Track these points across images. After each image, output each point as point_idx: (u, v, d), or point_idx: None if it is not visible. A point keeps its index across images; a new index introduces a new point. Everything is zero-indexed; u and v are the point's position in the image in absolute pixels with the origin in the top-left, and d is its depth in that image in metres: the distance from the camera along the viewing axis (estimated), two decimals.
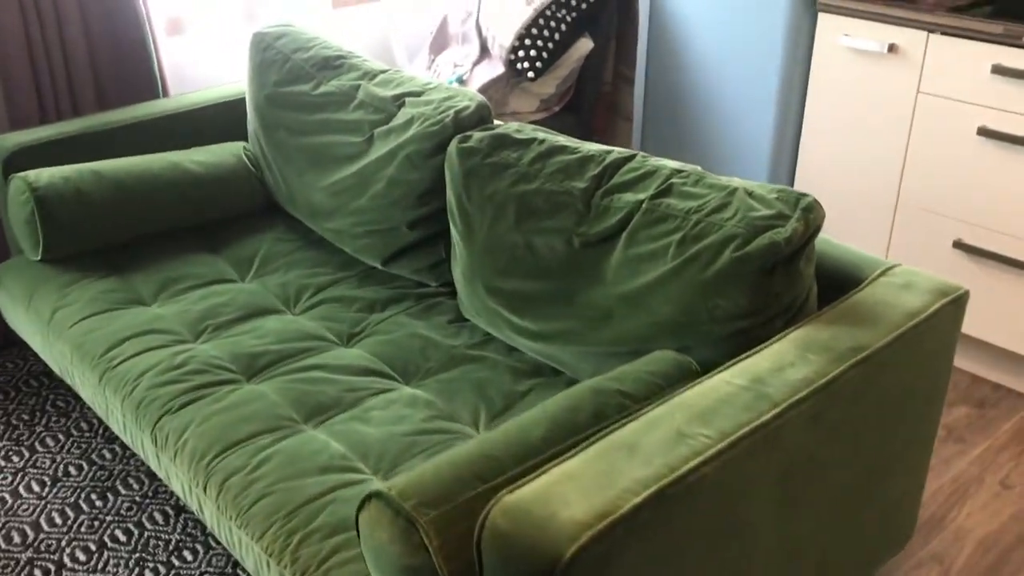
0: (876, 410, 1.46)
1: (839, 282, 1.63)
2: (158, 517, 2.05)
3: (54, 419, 2.36)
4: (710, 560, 1.24)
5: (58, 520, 2.05)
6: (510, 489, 1.13)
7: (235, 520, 1.51)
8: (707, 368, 1.51)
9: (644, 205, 1.65)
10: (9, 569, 1.92)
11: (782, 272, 1.46)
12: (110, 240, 2.21)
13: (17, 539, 2.00)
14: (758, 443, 1.23)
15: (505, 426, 1.33)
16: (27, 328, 2.11)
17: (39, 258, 2.14)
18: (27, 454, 2.24)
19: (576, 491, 1.11)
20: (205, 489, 1.58)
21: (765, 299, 1.46)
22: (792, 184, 2.77)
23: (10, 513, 2.07)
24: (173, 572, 1.91)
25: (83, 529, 2.02)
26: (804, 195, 1.52)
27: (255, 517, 1.48)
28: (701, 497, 1.17)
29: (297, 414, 1.70)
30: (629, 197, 1.68)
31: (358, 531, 1.26)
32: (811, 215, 1.48)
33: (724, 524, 1.24)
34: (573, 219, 1.72)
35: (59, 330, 1.98)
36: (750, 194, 1.55)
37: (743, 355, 1.39)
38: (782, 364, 1.35)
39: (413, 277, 2.11)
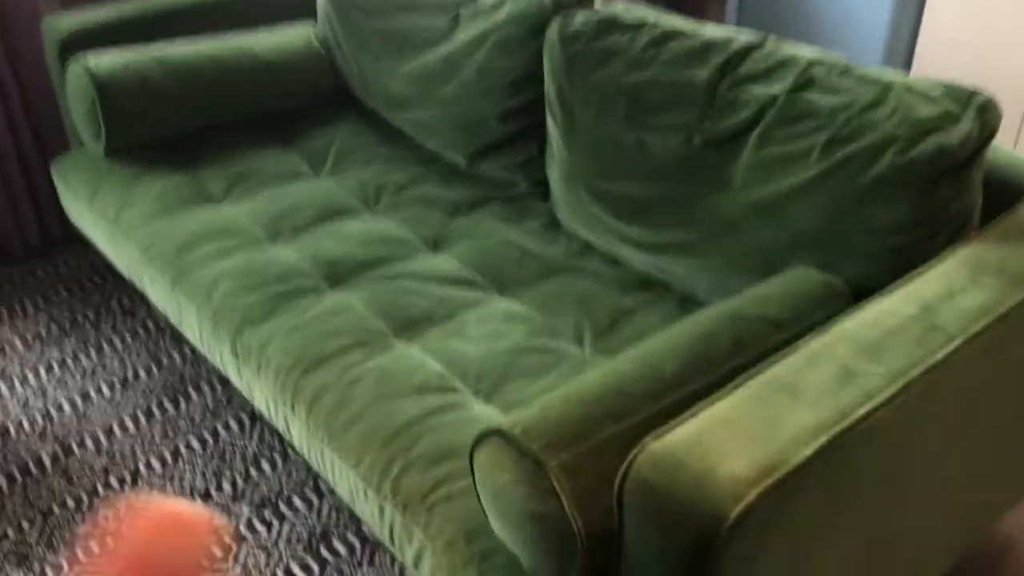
0: None
1: (996, 189, 1.42)
2: (233, 425, 1.96)
3: (120, 318, 2.27)
4: (868, 507, 1.09)
5: (130, 426, 1.96)
6: (656, 435, 0.98)
7: (327, 443, 1.39)
8: (855, 289, 1.33)
9: (780, 100, 1.44)
10: (84, 477, 1.85)
11: (951, 181, 1.27)
12: (175, 131, 2.05)
13: (91, 445, 1.92)
14: (933, 382, 1.07)
15: (631, 356, 1.18)
16: (92, 226, 1.99)
17: (102, 151, 1.99)
18: (95, 355, 2.16)
19: (735, 440, 0.96)
20: (293, 408, 1.46)
21: (930, 211, 1.28)
22: (909, 68, 2.52)
23: (82, 417, 1.99)
24: (251, 483, 1.83)
25: (156, 436, 1.94)
26: (977, 92, 1.30)
27: (350, 441, 1.37)
28: (872, 444, 1.02)
29: (387, 327, 1.56)
30: (761, 90, 1.48)
31: (473, 470, 1.13)
32: (987, 116, 1.28)
33: (889, 471, 1.09)
34: (694, 114, 1.53)
35: (126, 231, 1.85)
36: (909, 89, 1.34)
37: (905, 277, 1.22)
38: (952, 289, 1.18)
39: (502, 175, 1.94)
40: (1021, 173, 1.43)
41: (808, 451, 0.95)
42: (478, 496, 1.15)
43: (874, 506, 1.10)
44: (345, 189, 1.94)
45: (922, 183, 1.26)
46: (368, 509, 1.34)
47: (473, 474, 1.13)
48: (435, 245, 1.79)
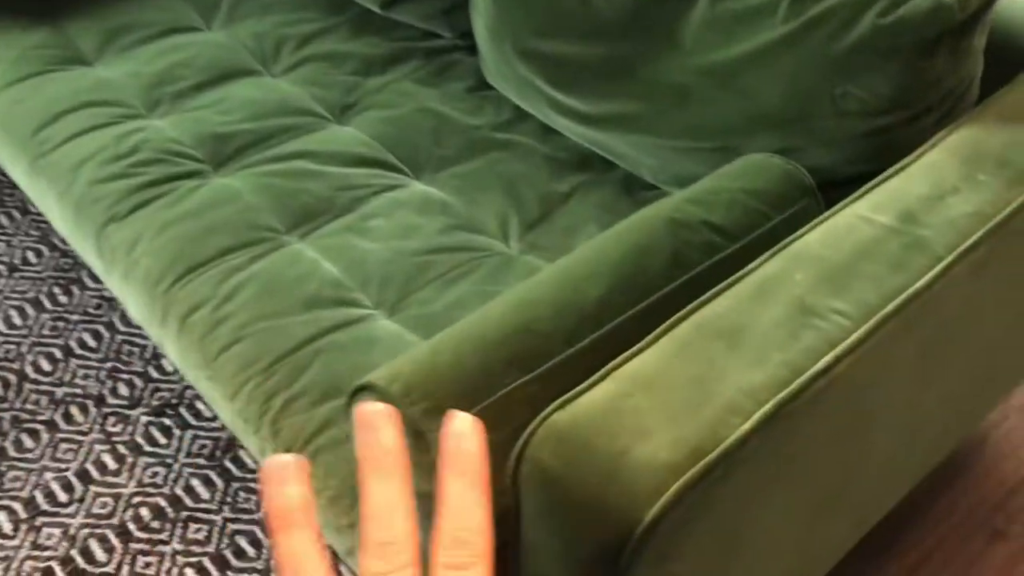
0: None
1: (998, 52, 1.17)
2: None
3: (6, 191, 2.01)
4: (822, 467, 0.92)
5: (17, 320, 1.75)
6: (561, 403, 0.78)
7: (201, 369, 1.19)
8: (825, 180, 1.10)
9: None
10: None
11: (947, 49, 1.01)
12: None
13: None
14: (911, 316, 0.86)
15: (547, 276, 0.97)
16: None
17: None
18: None
19: (657, 410, 0.76)
20: (164, 322, 1.25)
21: (918, 87, 1.03)
22: None
23: None
24: (151, 385, 1.64)
25: (45, 331, 1.74)
26: None
27: (225, 369, 1.16)
28: (830, 401, 0.82)
29: (278, 221, 1.33)
30: None
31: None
32: None
33: (850, 423, 0.90)
34: None
35: None
36: None
37: (884, 174, 0.99)
38: (942, 190, 0.95)
39: (421, 25, 1.65)
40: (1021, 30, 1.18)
41: (748, 425, 0.75)
42: None
43: (830, 463, 0.92)
44: (239, 44, 1.65)
45: (910, 52, 1.01)
46: (252, 447, 1.16)
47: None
48: (341, 114, 1.52)
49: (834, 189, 1.12)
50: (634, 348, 0.82)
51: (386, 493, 0.35)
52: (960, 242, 0.90)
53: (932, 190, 0.95)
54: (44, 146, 1.46)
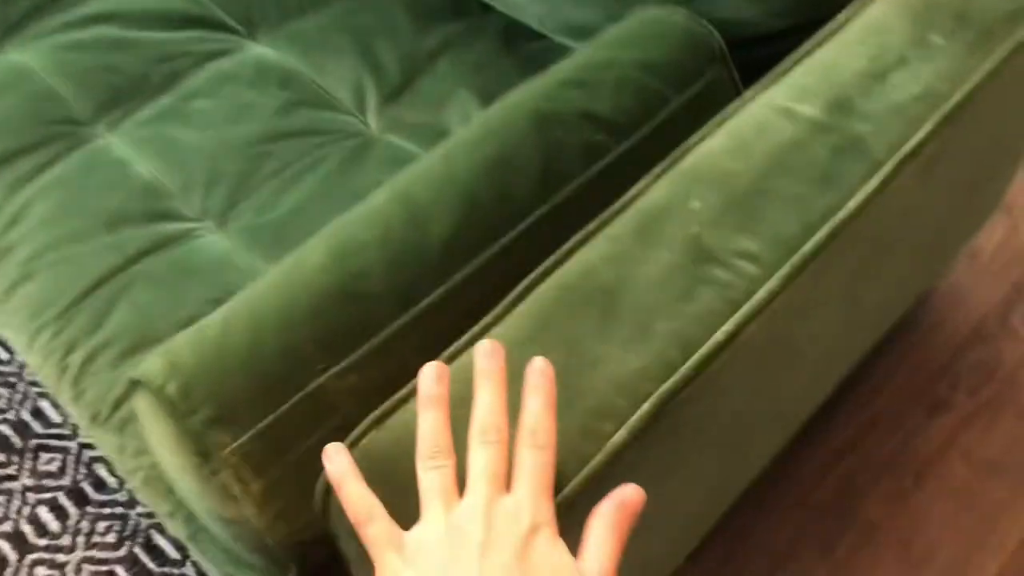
0: (1009, 104, 0.87)
1: None
2: None
3: None
4: (735, 422, 0.75)
5: None
6: (378, 416, 0.59)
7: None
8: (745, 37, 0.87)
9: None
10: None
11: None
12: None
13: None
14: (841, 245, 0.67)
15: (380, 206, 0.74)
16: None
17: None
18: None
19: None
20: None
21: None
22: None
23: None
24: None
25: None
26: None
27: (17, 314, 0.94)
28: (736, 369, 0.64)
29: (79, 109, 1.07)
30: None
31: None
32: None
33: (764, 374, 0.73)
34: None
35: None
36: None
37: (813, 39, 0.76)
38: (886, 62, 0.73)
39: None
40: None
41: (621, 435, 0.57)
42: None
43: (744, 413, 0.75)
44: None
45: None
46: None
47: None
48: None
49: (755, 47, 0.89)
50: (476, 328, 0.62)
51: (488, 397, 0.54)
52: (906, 139, 0.69)
53: (872, 63, 0.73)
54: None
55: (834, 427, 1.30)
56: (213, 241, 0.97)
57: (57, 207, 0.98)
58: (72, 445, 1.29)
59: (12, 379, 1.34)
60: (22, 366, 1.35)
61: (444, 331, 0.66)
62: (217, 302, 0.87)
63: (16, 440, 1.29)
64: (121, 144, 1.04)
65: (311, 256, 0.72)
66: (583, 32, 1.03)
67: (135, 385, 0.67)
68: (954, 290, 1.40)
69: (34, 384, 1.34)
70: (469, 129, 0.79)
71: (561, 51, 1.07)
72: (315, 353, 0.66)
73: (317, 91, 1.09)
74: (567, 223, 0.70)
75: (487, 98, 1.04)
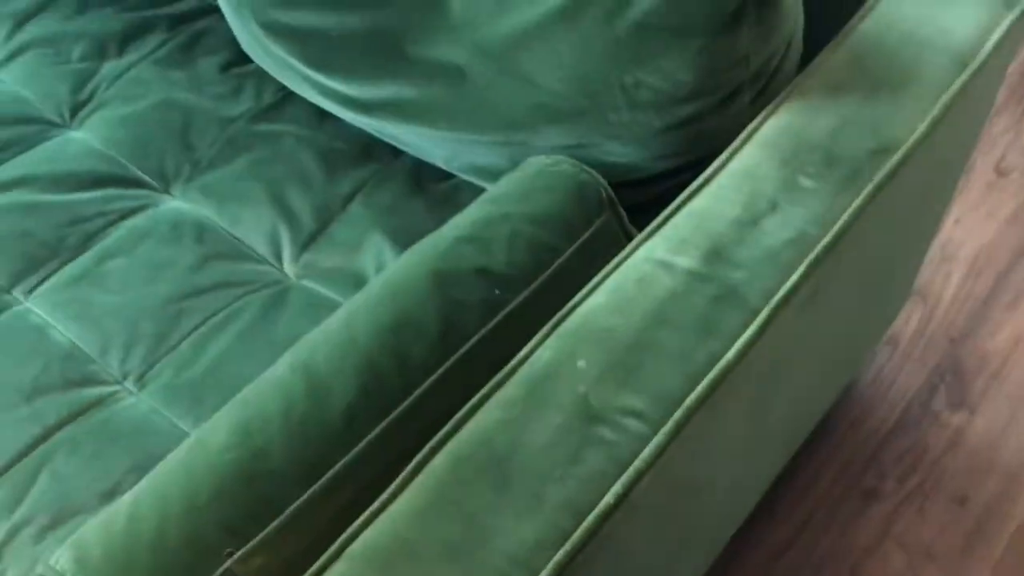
0: (889, 228, 0.91)
1: None
2: None
3: None
4: (648, 555, 0.76)
5: None
6: None
7: None
8: (631, 179, 0.91)
9: None
10: None
11: (752, 18, 0.81)
12: None
13: None
14: (727, 390, 0.69)
15: (283, 376, 0.76)
16: None
17: None
18: None
19: None
20: None
21: (722, 69, 0.83)
22: None
23: None
24: None
25: None
26: None
27: None
28: (635, 523, 0.66)
29: None
30: None
31: None
32: None
33: (672, 510, 0.75)
34: None
35: None
36: None
37: (688, 191, 0.80)
38: (757, 209, 0.77)
39: None
40: None
41: None
42: None
43: (656, 545, 0.77)
44: None
45: (707, 27, 0.80)
46: None
47: None
48: (72, 116, 1.25)
49: (642, 188, 0.93)
50: (375, 504, 0.64)
51: None
52: (779, 285, 0.72)
53: (745, 210, 0.77)
54: None
55: (771, 526, 1.32)
56: (133, 403, 0.98)
57: None
58: None
59: None
60: None
61: (349, 504, 0.68)
62: (139, 470, 0.89)
63: None
64: (38, 310, 1.06)
65: (215, 434, 0.73)
66: (486, 172, 1.06)
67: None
68: (876, 379, 1.44)
69: None
70: (368, 292, 0.82)
71: (469, 188, 1.11)
72: (220, 538, 0.67)
73: (233, 242, 1.11)
74: (466, 382, 0.72)
75: (400, 239, 1.07)
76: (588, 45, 0.85)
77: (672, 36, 0.81)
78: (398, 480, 0.65)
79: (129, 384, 1.00)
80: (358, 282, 1.05)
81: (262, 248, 1.11)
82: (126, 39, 1.31)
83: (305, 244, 1.10)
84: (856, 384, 1.43)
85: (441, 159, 1.12)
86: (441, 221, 0.90)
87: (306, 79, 1.14)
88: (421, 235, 0.90)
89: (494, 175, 1.01)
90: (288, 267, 1.09)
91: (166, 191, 1.17)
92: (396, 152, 1.17)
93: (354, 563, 0.60)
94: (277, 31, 1.12)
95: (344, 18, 1.06)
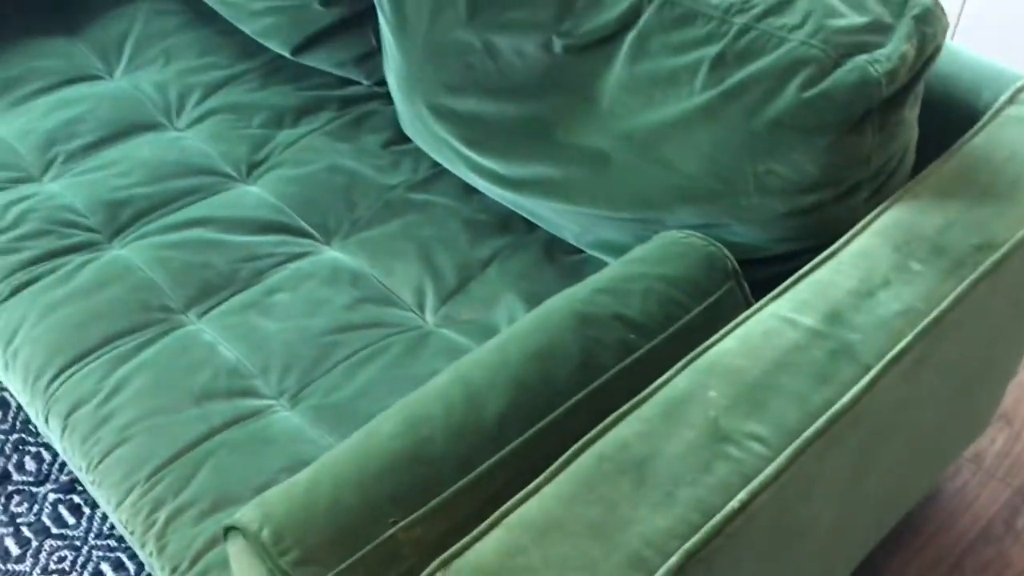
0: (986, 321, 1.00)
1: (947, 112, 1.10)
2: None
3: None
4: None
5: None
6: (445, 560, 0.70)
7: (86, 473, 1.09)
8: (751, 258, 1.02)
9: None
10: None
11: (876, 125, 0.94)
12: None
13: None
14: (836, 435, 0.79)
15: (442, 386, 0.88)
16: None
17: None
18: None
19: (553, 566, 0.68)
20: (47, 422, 1.15)
21: (846, 165, 0.96)
22: None
23: None
24: (60, 460, 1.54)
25: None
26: None
27: (110, 475, 1.07)
28: (749, 537, 0.75)
29: (174, 299, 1.23)
30: None
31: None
32: (928, 30, 0.93)
33: (776, 544, 0.83)
34: (552, 9, 1.15)
35: None
36: None
37: (811, 264, 0.91)
38: (872, 283, 0.88)
39: (335, 72, 1.55)
40: (975, 85, 1.10)
41: None
42: None
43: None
44: (140, 95, 1.54)
45: (836, 128, 0.93)
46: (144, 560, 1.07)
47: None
48: (249, 173, 1.42)
49: (762, 266, 1.04)
50: (530, 486, 0.74)
51: None
52: (890, 347, 0.82)
53: (861, 284, 0.87)
54: None
55: None
56: (287, 417, 1.11)
57: (152, 382, 1.12)
58: None
59: (78, 543, 1.43)
60: (87, 530, 1.45)
61: (498, 493, 0.78)
62: (290, 470, 1.00)
63: None
64: (209, 330, 1.20)
65: (384, 425, 0.84)
66: (614, 248, 1.19)
67: (230, 531, 0.79)
68: (960, 492, 1.49)
69: (97, 547, 1.43)
70: (519, 325, 0.94)
71: (595, 263, 1.23)
72: (387, 508, 0.77)
73: (383, 290, 1.25)
74: (602, 407, 0.83)
75: (531, 301, 1.19)
76: (727, 137, 0.99)
77: (804, 133, 0.94)
78: (548, 471, 0.75)
79: (284, 400, 1.13)
80: (491, 334, 1.17)
81: (408, 297, 1.24)
82: (301, 113, 1.50)
83: (446, 298, 1.23)
84: (939, 495, 1.48)
85: (572, 234, 1.25)
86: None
87: (461, 156, 1.30)
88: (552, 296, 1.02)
89: (621, 251, 1.13)
90: (429, 316, 1.22)
91: (327, 243, 1.32)
92: (531, 226, 1.30)
93: (511, 530, 0.70)
94: (442, 114, 1.29)
95: (503, 106, 1.23)
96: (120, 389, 1.12)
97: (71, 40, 1.66)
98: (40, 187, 1.39)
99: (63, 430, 1.12)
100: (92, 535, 1.45)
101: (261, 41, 1.59)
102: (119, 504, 1.05)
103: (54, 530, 1.45)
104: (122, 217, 1.34)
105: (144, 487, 1.04)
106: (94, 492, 1.10)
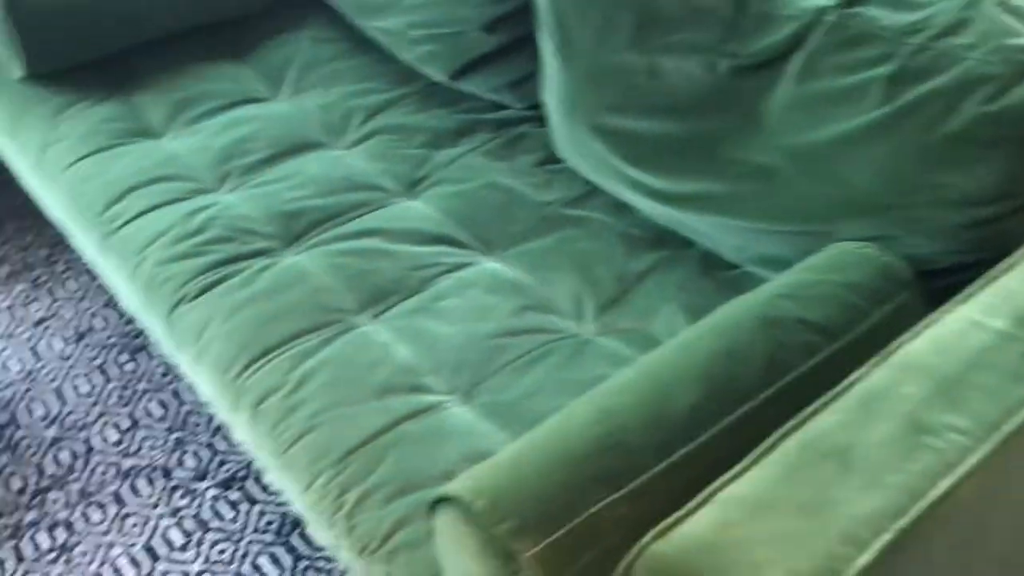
0: None
1: None
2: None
3: (77, 255, 2.02)
4: None
5: (84, 388, 1.75)
6: (662, 530, 0.74)
7: (273, 459, 1.17)
8: (923, 270, 1.05)
9: (830, 15, 1.13)
10: (32, 451, 1.66)
11: None
12: (108, 48, 1.75)
13: (39, 412, 1.72)
14: None
15: (631, 381, 0.92)
16: (18, 165, 1.72)
17: (22, 75, 1.70)
18: (47, 301, 1.93)
19: (767, 541, 0.72)
20: (236, 410, 1.23)
21: None
22: None
23: (30, 379, 1.78)
24: (218, 458, 1.63)
25: (112, 400, 1.73)
26: None
27: (298, 460, 1.14)
28: (951, 524, 0.77)
29: (349, 302, 1.31)
30: (804, 1, 1.16)
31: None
32: None
33: (970, 538, 0.84)
34: (718, 31, 1.21)
35: (51, 175, 1.59)
36: (1005, 6, 1.02)
37: (993, 271, 0.93)
38: None
39: (489, 96, 1.63)
40: None
41: (866, 558, 0.70)
42: None
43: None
44: (306, 116, 1.64)
45: (1016, 141, 0.96)
46: (326, 540, 1.13)
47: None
48: (411, 189, 1.51)
49: (934, 278, 1.07)
50: (736, 468, 0.78)
51: None
52: None
53: None
54: (113, 224, 1.46)
55: None
56: (459, 413, 1.16)
57: (334, 377, 1.20)
58: None
59: (236, 536, 1.51)
60: (245, 524, 1.52)
61: (692, 480, 0.82)
62: (469, 460, 1.05)
63: None
64: (383, 331, 1.27)
65: (577, 414, 0.89)
66: (775, 263, 1.22)
67: (439, 503, 0.84)
68: None
69: (255, 541, 1.50)
70: (699, 328, 0.98)
71: (753, 278, 1.27)
72: (590, 487, 0.82)
73: (542, 299, 1.30)
74: (789, 405, 0.86)
75: (690, 312, 1.23)
76: (903, 151, 1.02)
77: (985, 147, 0.97)
78: (752, 455, 0.79)
79: (456, 397, 1.18)
80: (651, 343, 1.21)
81: (567, 307, 1.29)
82: (457, 134, 1.58)
83: (605, 307, 1.28)
84: None
85: (731, 249, 1.29)
86: (729, 301, 1.05)
87: (619, 173, 1.35)
88: (711, 309, 1.06)
89: (781, 265, 1.17)
90: (588, 324, 1.27)
91: (487, 254, 1.39)
92: (686, 242, 1.35)
93: (724, 506, 0.74)
94: (603, 132, 1.35)
95: (665, 124, 1.28)
96: (305, 382, 1.19)
97: (238, 65, 1.78)
98: (218, 198, 1.49)
99: (252, 419, 1.19)
100: (249, 530, 1.52)
101: (418, 68, 1.69)
102: (308, 487, 1.11)
103: (213, 524, 1.54)
104: (297, 227, 1.43)
105: (332, 472, 1.10)
106: (280, 476, 1.17)
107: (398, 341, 1.25)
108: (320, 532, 1.13)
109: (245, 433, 1.22)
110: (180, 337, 1.31)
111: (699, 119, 1.25)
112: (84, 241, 1.52)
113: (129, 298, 1.43)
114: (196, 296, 1.32)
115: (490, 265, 1.37)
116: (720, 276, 1.30)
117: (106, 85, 1.72)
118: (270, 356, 1.23)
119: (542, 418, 1.05)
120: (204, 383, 1.29)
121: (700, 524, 0.73)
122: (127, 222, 1.45)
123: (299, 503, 1.15)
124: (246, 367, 1.23)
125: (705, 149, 1.24)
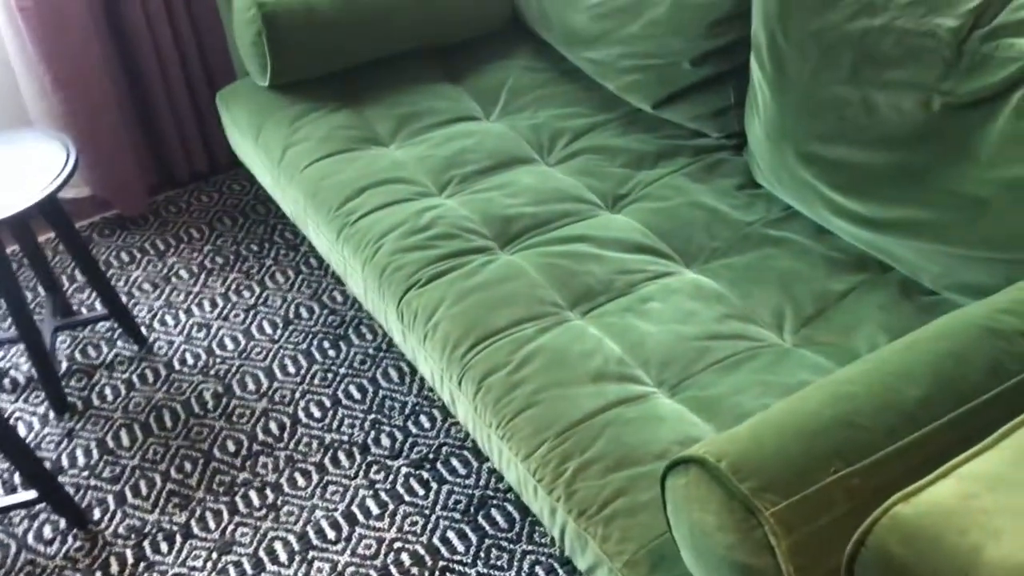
0: None
1: None
2: (393, 374, 1.89)
3: (283, 252, 2.22)
4: None
5: (291, 368, 1.93)
6: (905, 495, 0.82)
7: (495, 429, 1.29)
8: None
9: None
10: (245, 419, 1.83)
11: None
12: (342, 65, 1.94)
13: (252, 385, 1.90)
14: None
15: (860, 372, 1.00)
16: (256, 164, 1.92)
17: (267, 84, 1.91)
18: (257, 290, 2.12)
19: (1007, 511, 0.78)
20: (460, 384, 1.36)
21: None
22: None
23: (244, 356, 1.97)
24: (410, 440, 1.76)
25: (316, 380, 1.90)
26: None
27: (520, 431, 1.25)
28: None
29: (562, 298, 1.43)
30: None
31: (664, 494, 0.99)
32: None
33: None
34: (936, 71, 1.29)
35: (291, 173, 1.77)
36: None
37: None
38: None
39: (689, 125, 1.74)
40: None
41: None
42: (668, 520, 1.01)
43: None
44: (517, 134, 1.79)
45: None
46: (537, 505, 1.24)
47: (664, 499, 1.00)
48: (614, 204, 1.63)
49: None
50: (974, 448, 0.85)
51: None
52: None
53: None
54: (350, 217, 1.63)
55: None
56: (667, 403, 1.26)
57: (552, 361, 1.31)
58: (471, 572, 1.55)
59: (427, 511, 1.64)
60: (435, 501, 1.65)
61: (918, 464, 0.89)
62: (681, 444, 1.15)
63: (428, 559, 1.57)
64: (594, 327, 1.38)
65: (809, 398, 0.98)
66: (976, 290, 1.28)
67: (679, 465, 0.94)
68: None
69: (443, 517, 1.62)
70: (923, 332, 1.05)
71: (952, 305, 1.33)
72: (826, 459, 0.90)
73: (743, 310, 1.39)
74: (1011, 407, 0.93)
75: (891, 332, 1.30)
76: None
77: None
78: (991, 437, 0.86)
79: (664, 390, 1.28)
80: (851, 357, 1.28)
81: (767, 318, 1.38)
82: (658, 157, 1.69)
83: (805, 322, 1.36)
84: None
85: (931, 276, 1.35)
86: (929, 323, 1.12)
87: (823, 198, 1.44)
88: (911, 331, 1.11)
89: (981, 293, 1.23)
90: (788, 336, 1.35)
91: (687, 266, 1.49)
92: (885, 267, 1.42)
93: (963, 480, 0.81)
94: (811, 160, 1.44)
95: (874, 155, 1.36)
96: (527, 363, 1.31)
97: (455, 87, 1.95)
98: (440, 200, 1.64)
99: (476, 392, 1.32)
100: (439, 506, 1.65)
101: (623, 96, 1.82)
102: (529, 455, 1.23)
103: (406, 498, 1.67)
104: (512, 230, 1.56)
105: (553, 443, 1.21)
106: (497, 444, 1.28)
107: (608, 336, 1.36)
108: (531, 497, 1.23)
109: (466, 406, 1.35)
110: (410, 319, 1.45)
111: (910, 151, 1.32)
112: (319, 231, 1.70)
113: (361, 285, 1.59)
114: (427, 282, 1.47)
115: (691, 276, 1.46)
116: (919, 300, 1.36)
117: (338, 97, 1.91)
118: (495, 338, 1.36)
119: (747, 415, 1.15)
120: (428, 361, 1.43)
121: (942, 493, 0.81)
122: (363, 216, 1.61)
123: (514, 471, 1.26)
124: (472, 346, 1.36)
125: (914, 179, 1.32)
